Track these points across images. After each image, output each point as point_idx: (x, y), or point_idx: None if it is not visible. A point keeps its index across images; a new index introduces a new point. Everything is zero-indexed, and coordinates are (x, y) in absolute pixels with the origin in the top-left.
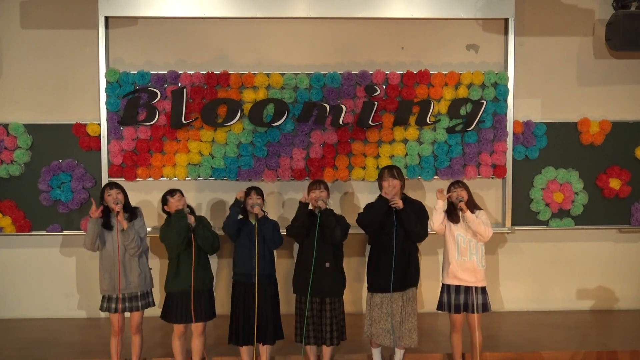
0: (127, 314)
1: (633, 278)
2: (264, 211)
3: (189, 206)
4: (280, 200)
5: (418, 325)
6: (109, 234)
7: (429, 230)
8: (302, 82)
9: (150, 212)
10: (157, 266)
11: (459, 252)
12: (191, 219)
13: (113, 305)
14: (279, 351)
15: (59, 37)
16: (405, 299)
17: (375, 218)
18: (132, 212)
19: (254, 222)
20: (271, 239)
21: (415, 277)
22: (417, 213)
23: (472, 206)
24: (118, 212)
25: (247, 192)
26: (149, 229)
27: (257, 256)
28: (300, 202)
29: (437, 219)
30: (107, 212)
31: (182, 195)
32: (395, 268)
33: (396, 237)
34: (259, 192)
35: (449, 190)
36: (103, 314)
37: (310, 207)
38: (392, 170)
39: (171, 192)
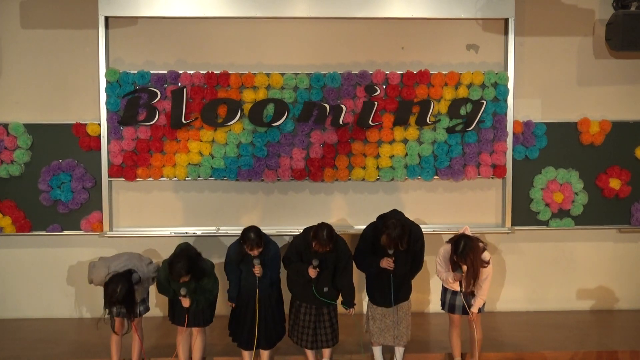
0: None
1: (633, 278)
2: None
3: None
4: (281, 201)
5: (420, 325)
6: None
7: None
8: (302, 82)
9: (151, 213)
10: None
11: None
12: (186, 303)
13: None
14: (279, 352)
15: (59, 37)
16: (399, 305)
17: (372, 270)
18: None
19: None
20: (272, 270)
21: (408, 292)
22: (415, 245)
23: (480, 262)
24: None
25: (244, 238)
26: (152, 231)
27: (258, 290)
28: (308, 273)
29: (442, 281)
30: None
31: (260, 246)
32: (395, 289)
33: (394, 273)
34: (258, 243)
35: (453, 255)
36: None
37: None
38: (398, 247)
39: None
